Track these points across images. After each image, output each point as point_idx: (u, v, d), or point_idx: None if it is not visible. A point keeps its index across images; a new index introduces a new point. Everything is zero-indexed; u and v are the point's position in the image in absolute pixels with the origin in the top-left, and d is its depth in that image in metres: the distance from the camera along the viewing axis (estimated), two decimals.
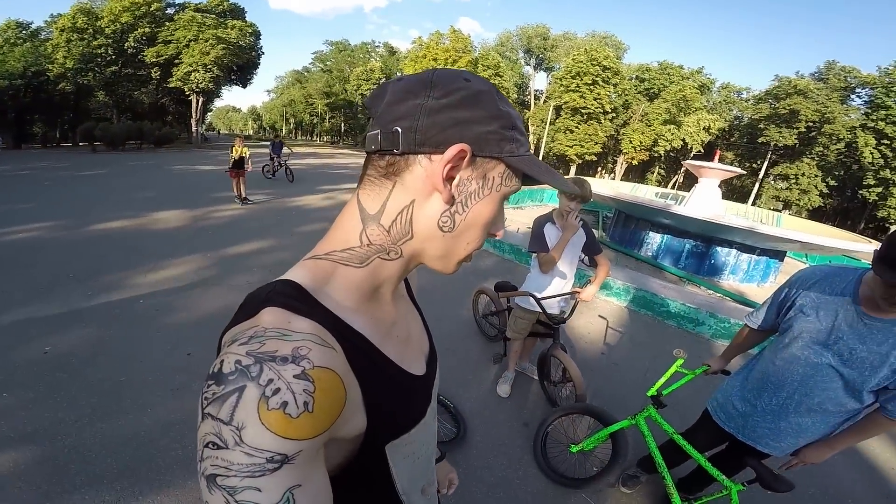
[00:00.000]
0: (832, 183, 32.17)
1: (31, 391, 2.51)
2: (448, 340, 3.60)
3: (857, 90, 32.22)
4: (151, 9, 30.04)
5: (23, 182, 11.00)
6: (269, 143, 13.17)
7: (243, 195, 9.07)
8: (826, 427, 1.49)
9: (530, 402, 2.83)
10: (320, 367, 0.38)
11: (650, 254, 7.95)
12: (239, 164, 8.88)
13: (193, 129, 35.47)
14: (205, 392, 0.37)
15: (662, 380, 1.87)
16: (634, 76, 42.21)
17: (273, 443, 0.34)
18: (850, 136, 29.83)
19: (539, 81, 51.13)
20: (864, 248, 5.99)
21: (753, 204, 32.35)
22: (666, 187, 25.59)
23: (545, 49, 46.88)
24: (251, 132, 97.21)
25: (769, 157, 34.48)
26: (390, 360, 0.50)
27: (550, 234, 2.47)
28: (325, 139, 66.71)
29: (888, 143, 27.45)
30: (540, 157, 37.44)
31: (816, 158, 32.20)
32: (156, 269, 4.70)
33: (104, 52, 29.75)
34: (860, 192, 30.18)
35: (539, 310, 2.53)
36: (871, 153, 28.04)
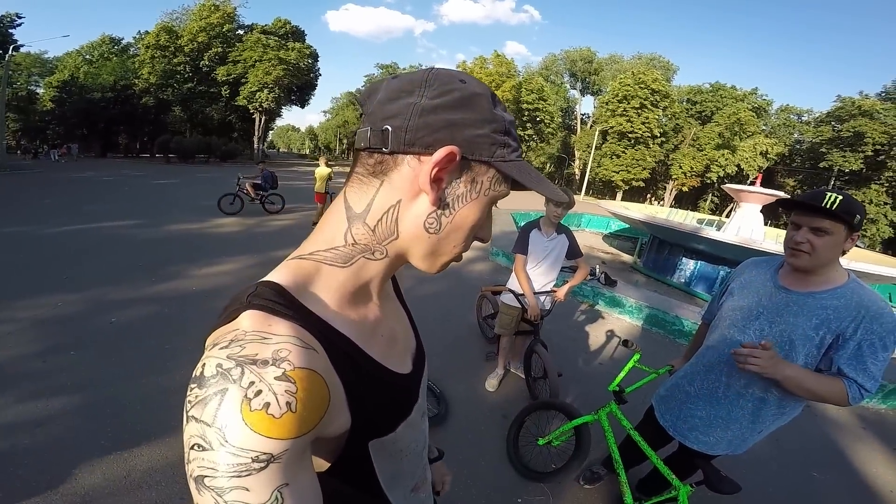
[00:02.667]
0: None
1: (94, 351, 3.06)
2: (450, 339, 3.87)
3: None
4: (224, 29, 32.97)
5: (107, 186, 12.84)
6: (260, 176, 9.80)
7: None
8: (756, 417, 1.45)
9: (513, 398, 3.01)
10: (301, 368, 0.38)
11: (683, 280, 7.79)
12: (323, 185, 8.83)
13: (255, 145, 38.24)
14: (188, 395, 0.37)
15: (622, 374, 1.91)
16: (685, 99, 41.18)
17: (258, 443, 0.35)
18: None
19: (585, 105, 50.88)
20: None
21: None
22: (720, 215, 24.31)
23: (590, 73, 46.84)
24: (308, 151, 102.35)
25: (833, 183, 32.00)
26: (374, 360, 0.50)
27: (535, 239, 2.72)
28: None
29: None
30: (584, 183, 36.57)
31: (886, 185, 29.72)
32: (211, 264, 5.44)
33: (182, 69, 32.73)
34: None
35: (520, 305, 2.77)
36: None
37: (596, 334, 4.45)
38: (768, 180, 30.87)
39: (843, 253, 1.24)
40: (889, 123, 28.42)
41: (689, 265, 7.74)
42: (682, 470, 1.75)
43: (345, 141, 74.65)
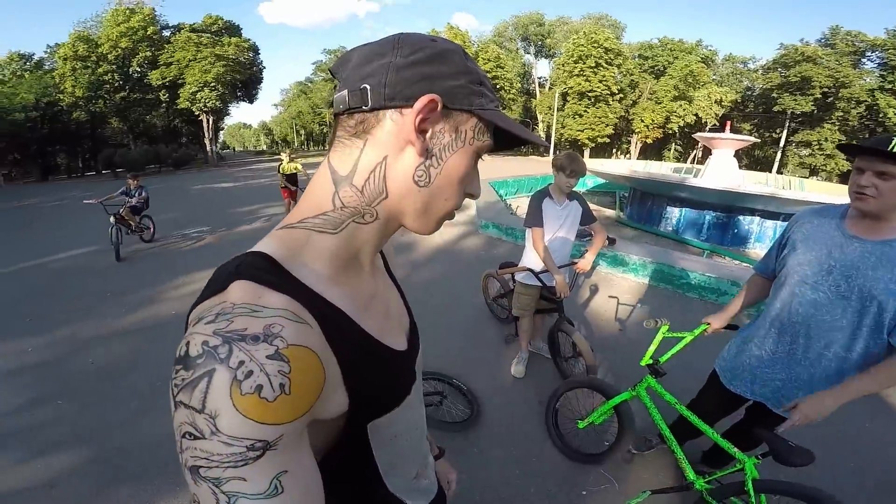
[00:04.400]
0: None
1: (82, 397, 2.73)
2: (461, 325, 3.64)
3: (867, 54, 31.66)
4: (148, 32, 30.61)
5: (54, 213, 11.65)
6: (122, 190, 6.53)
7: None
8: (840, 377, 1.32)
9: (545, 381, 2.82)
10: (295, 346, 0.36)
11: (671, 228, 7.87)
12: (293, 180, 7.97)
13: (208, 148, 36.27)
14: (174, 378, 0.34)
15: (652, 348, 1.78)
16: (637, 55, 41.62)
17: (251, 430, 0.33)
18: (870, 99, 29.18)
19: (541, 69, 50.65)
20: None
21: (779, 172, 31.73)
22: (685, 163, 25.14)
23: (542, 35, 46.58)
24: (264, 147, 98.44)
25: (787, 125, 33.66)
26: (370, 335, 0.48)
27: (548, 209, 2.48)
28: None
29: None
30: (552, 144, 37.07)
31: (838, 123, 31.50)
32: (185, 283, 4.94)
33: (111, 78, 30.37)
34: None
35: (540, 284, 2.54)
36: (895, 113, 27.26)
37: (606, 299, 4.30)
38: (724, 127, 32.07)
39: None
40: (832, 68, 29.84)
41: (674, 213, 7.82)
42: (748, 440, 1.64)
43: (302, 132, 72.01)
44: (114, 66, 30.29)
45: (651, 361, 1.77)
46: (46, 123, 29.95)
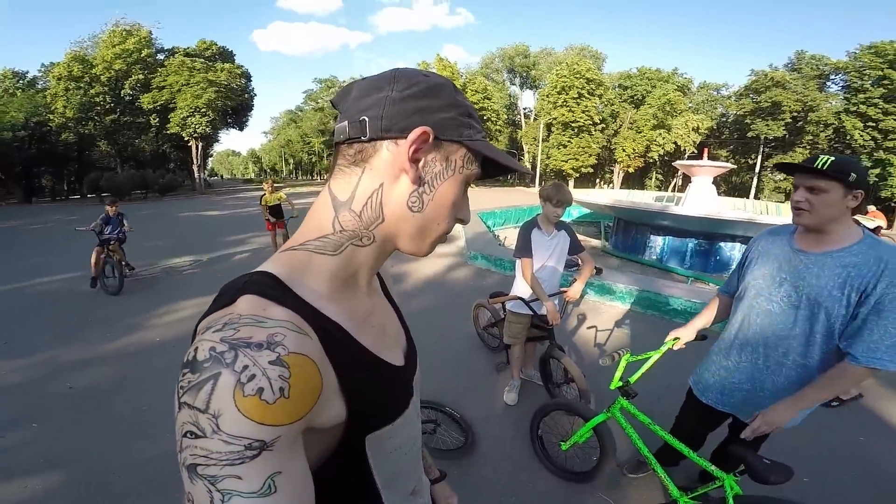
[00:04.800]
0: None
1: (58, 420, 2.65)
2: (452, 354, 3.67)
3: (832, 77, 33.01)
4: (143, 55, 30.56)
5: (36, 236, 11.41)
6: (102, 217, 5.81)
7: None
8: (803, 385, 1.40)
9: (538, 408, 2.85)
10: (295, 354, 0.38)
11: (655, 257, 8.03)
12: (277, 212, 7.28)
13: (196, 175, 35.90)
14: (180, 381, 0.37)
15: (618, 374, 1.84)
16: (617, 85, 43.09)
17: (250, 429, 0.35)
18: (837, 122, 30.25)
19: (527, 100, 52.14)
20: (869, 223, 6.04)
21: (756, 198, 32.55)
22: (666, 191, 25.84)
23: (528, 67, 48.15)
24: (252, 175, 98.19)
25: (761, 150, 34.79)
26: (366, 349, 0.50)
27: (537, 239, 2.58)
28: (325, 177, 67.67)
29: (873, 124, 27.84)
30: (537, 175, 37.40)
31: (808, 147, 32.55)
32: (172, 311, 4.88)
33: (102, 100, 30.05)
34: None
35: (531, 312, 2.62)
36: (861, 136, 28.32)
37: (594, 326, 4.37)
38: (702, 155, 33.19)
39: (851, 211, 1.29)
40: (800, 92, 31.17)
41: (657, 242, 8.01)
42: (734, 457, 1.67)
43: (291, 161, 72.18)
44: (106, 88, 30.03)
45: (621, 384, 1.84)
46: (34, 144, 29.29)
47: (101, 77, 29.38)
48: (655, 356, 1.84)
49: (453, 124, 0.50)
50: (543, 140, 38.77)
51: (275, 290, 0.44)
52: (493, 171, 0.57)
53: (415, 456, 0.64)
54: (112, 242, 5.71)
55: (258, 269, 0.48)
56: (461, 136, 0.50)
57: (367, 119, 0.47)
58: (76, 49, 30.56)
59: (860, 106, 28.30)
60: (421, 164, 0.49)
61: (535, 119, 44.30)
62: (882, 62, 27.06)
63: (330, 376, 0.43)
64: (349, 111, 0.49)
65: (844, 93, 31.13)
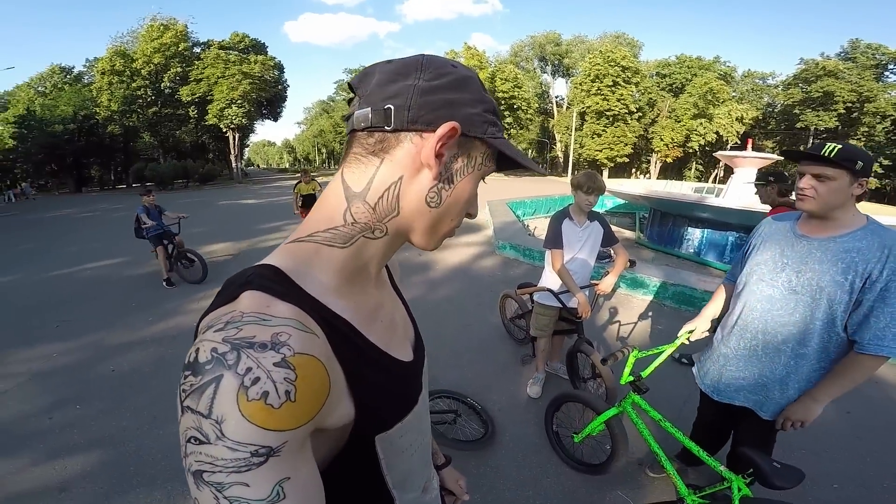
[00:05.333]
0: (886, 163, 30.30)
1: (100, 403, 2.82)
2: (477, 344, 3.62)
3: (890, 67, 31.15)
4: (180, 48, 31.85)
5: (88, 224, 12.23)
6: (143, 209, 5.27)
7: None
8: (807, 375, 1.38)
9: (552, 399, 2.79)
10: (301, 354, 0.37)
11: (692, 250, 7.68)
12: (310, 201, 7.46)
13: (233, 164, 37.29)
14: (182, 384, 0.35)
15: (626, 370, 1.80)
16: (654, 73, 41.50)
17: (256, 435, 0.33)
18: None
19: (559, 88, 50.85)
20: None
21: None
22: (706, 182, 24.76)
23: (560, 55, 46.94)
24: (287, 165, 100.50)
25: (811, 142, 32.86)
26: (375, 346, 0.49)
27: (568, 230, 2.48)
28: None
29: None
30: (570, 164, 36.81)
31: (863, 139, 30.69)
32: (210, 296, 5.00)
33: (143, 93, 31.64)
34: None
35: (559, 305, 2.53)
36: None
37: (625, 321, 4.25)
38: (745, 144, 31.62)
39: (856, 198, 1.28)
40: (854, 82, 29.34)
41: (695, 235, 7.63)
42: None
43: (323, 151, 73.56)
44: (147, 82, 31.55)
45: (632, 378, 1.79)
46: (83, 136, 31.18)
47: (142, 71, 30.88)
48: (669, 350, 1.80)
49: (479, 121, 0.48)
50: (576, 129, 37.83)
51: (279, 284, 0.42)
52: (504, 165, 0.56)
53: (425, 452, 0.63)
54: (175, 236, 5.53)
55: (263, 261, 0.46)
56: (486, 132, 0.49)
57: (392, 108, 0.44)
58: (117, 44, 32.17)
59: None
60: (444, 159, 0.47)
61: (567, 108, 43.28)
62: None
63: (338, 375, 0.42)
64: (371, 97, 0.46)
65: None
